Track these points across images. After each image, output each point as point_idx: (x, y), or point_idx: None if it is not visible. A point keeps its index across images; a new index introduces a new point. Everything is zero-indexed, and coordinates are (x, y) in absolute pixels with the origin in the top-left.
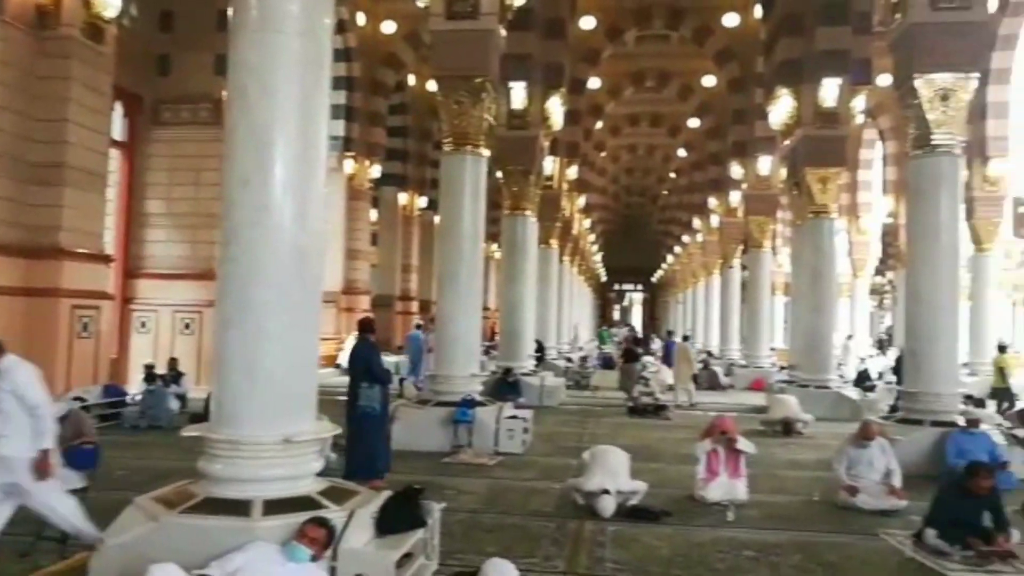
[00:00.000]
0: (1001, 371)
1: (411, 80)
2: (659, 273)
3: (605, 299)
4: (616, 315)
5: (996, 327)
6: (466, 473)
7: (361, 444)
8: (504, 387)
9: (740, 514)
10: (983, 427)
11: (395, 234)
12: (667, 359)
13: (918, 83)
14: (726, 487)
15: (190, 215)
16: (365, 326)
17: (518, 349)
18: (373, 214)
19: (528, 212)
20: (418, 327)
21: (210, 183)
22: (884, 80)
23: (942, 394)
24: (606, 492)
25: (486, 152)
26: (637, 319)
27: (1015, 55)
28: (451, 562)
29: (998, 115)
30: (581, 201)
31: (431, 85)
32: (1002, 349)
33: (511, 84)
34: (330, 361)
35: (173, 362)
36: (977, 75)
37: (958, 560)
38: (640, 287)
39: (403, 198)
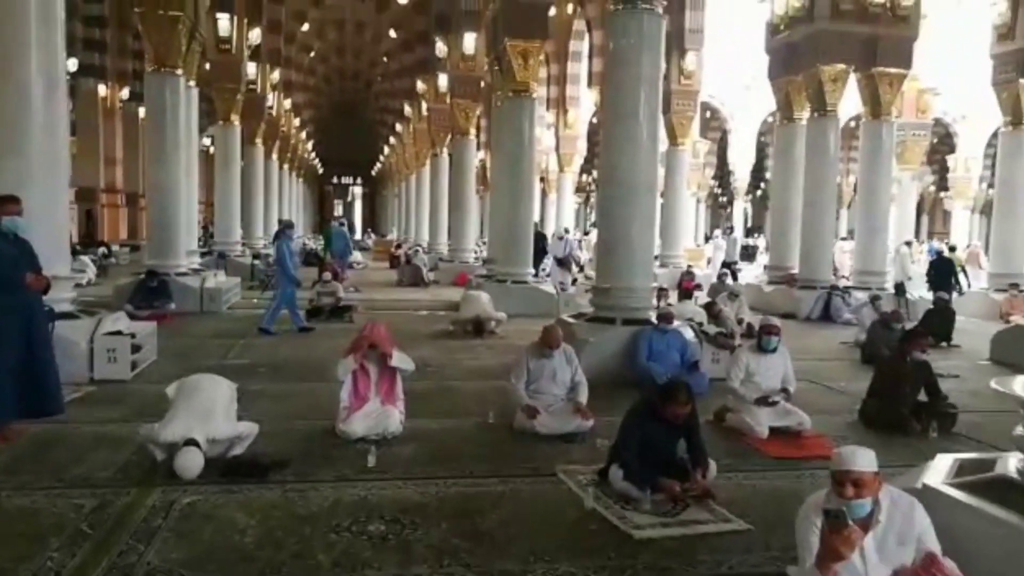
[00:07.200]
0: None
1: None
2: (377, 166)
3: (323, 193)
4: (338, 211)
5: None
6: None
7: None
8: (145, 291)
9: (388, 454)
10: (675, 324)
11: (96, 126)
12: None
13: None
14: (376, 417)
15: None
16: None
17: (170, 245)
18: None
19: (179, 72)
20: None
21: None
22: None
23: (636, 288)
24: (191, 443)
25: None
26: (358, 215)
27: None
28: None
29: (695, 6)
30: (275, 76)
31: None
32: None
33: None
34: None
35: None
36: None
37: (647, 509)
38: (360, 181)
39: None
